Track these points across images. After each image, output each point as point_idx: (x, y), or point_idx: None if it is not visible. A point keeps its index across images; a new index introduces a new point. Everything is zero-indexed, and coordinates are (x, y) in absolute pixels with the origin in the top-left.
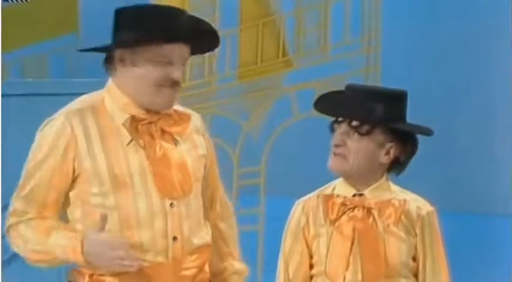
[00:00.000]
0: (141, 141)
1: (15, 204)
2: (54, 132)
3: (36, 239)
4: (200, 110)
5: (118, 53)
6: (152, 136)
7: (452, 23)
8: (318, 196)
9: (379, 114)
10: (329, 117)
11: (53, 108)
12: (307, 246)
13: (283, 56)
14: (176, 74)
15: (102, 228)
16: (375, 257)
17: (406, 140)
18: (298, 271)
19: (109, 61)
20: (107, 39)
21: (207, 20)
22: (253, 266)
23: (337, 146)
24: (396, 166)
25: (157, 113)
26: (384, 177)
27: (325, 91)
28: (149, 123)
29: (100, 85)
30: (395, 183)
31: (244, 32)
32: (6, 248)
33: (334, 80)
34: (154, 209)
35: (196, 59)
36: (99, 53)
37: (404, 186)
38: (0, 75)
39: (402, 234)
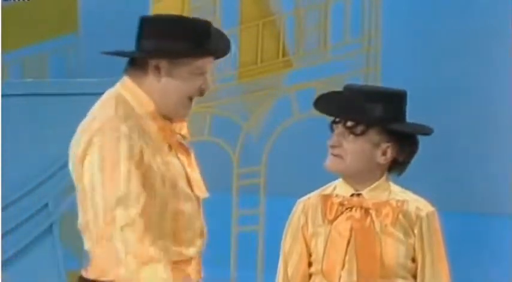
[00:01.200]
0: (170, 147)
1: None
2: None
3: None
4: (200, 109)
5: (154, 61)
6: (176, 141)
7: (452, 23)
8: (318, 196)
9: (373, 114)
10: (329, 117)
11: (52, 109)
12: (306, 245)
13: (283, 56)
14: (207, 85)
15: None
16: (370, 258)
17: (403, 140)
18: (296, 270)
19: (137, 66)
20: (106, 40)
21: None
22: (253, 266)
23: (333, 146)
24: (396, 166)
25: (171, 119)
26: (384, 177)
27: (325, 91)
28: (171, 131)
29: (99, 85)
30: (396, 183)
31: (244, 32)
32: (6, 248)
33: (334, 80)
34: (194, 211)
35: None
36: (99, 54)
37: (404, 186)
38: (0, 75)
39: (400, 235)
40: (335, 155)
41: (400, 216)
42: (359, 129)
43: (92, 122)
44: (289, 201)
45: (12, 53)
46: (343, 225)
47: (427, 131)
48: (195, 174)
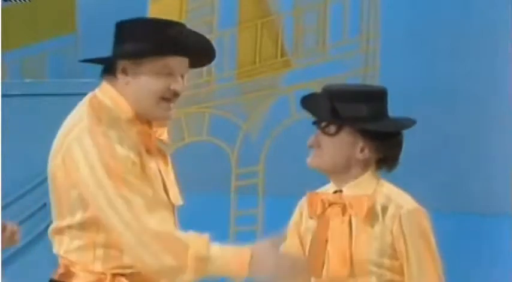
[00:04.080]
0: (148, 152)
1: None
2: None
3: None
4: (199, 110)
5: (121, 64)
6: (155, 146)
7: (451, 23)
8: (308, 193)
9: (344, 114)
10: None
11: (51, 109)
12: (301, 242)
13: (282, 56)
14: (177, 85)
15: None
16: (340, 255)
17: (379, 137)
18: None
19: (110, 71)
20: (105, 40)
21: (205, 19)
22: None
23: (310, 146)
24: (383, 163)
25: (150, 122)
26: (368, 174)
27: None
28: (149, 135)
29: (97, 85)
30: (396, 183)
31: (242, 32)
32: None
33: (333, 80)
34: (169, 217)
35: None
36: (98, 54)
37: (404, 186)
38: (0, 75)
39: (375, 231)
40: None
41: (378, 212)
42: (331, 129)
43: (75, 127)
44: (288, 201)
45: (11, 53)
46: (323, 222)
47: (400, 127)
48: (171, 181)
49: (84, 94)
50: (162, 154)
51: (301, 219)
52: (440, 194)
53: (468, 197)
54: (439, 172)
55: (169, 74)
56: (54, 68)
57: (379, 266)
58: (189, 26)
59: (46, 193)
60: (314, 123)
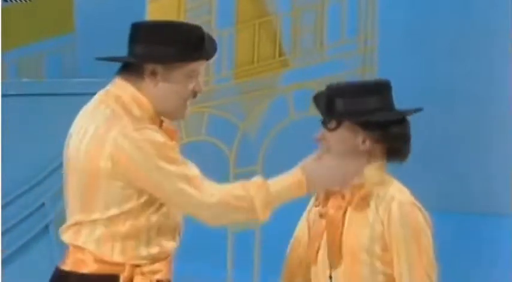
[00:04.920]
0: None
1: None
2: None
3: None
4: (197, 109)
5: (150, 66)
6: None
7: (449, 23)
8: None
9: (341, 108)
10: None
11: (48, 109)
12: (309, 228)
13: (280, 56)
14: (199, 87)
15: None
16: (331, 242)
17: (377, 128)
18: (294, 245)
19: (132, 71)
20: (102, 40)
21: (203, 19)
22: (250, 265)
23: (318, 140)
24: (390, 153)
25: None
26: (372, 166)
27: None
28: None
29: (96, 85)
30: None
31: (240, 32)
32: (3, 247)
33: (331, 80)
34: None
35: None
36: (97, 54)
37: (404, 186)
38: (0, 75)
39: (368, 220)
40: (323, 149)
41: (372, 203)
42: (331, 124)
43: (116, 124)
44: None
45: (9, 53)
46: (324, 210)
47: (393, 116)
48: None
49: (83, 94)
50: None
51: (312, 207)
52: (440, 194)
53: (468, 197)
54: (439, 172)
55: (195, 76)
56: (51, 67)
57: (371, 254)
58: None
59: (45, 192)
60: (322, 120)
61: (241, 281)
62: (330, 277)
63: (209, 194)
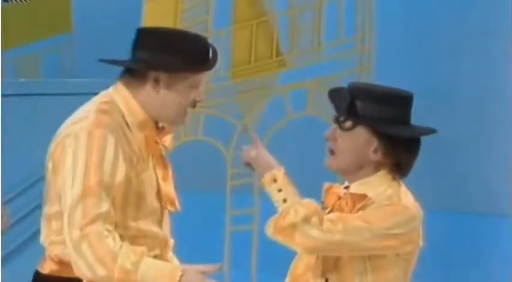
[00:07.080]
0: (152, 159)
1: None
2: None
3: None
4: (194, 109)
5: (154, 73)
6: (158, 152)
7: (448, 22)
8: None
9: (363, 112)
10: (322, 117)
11: (46, 109)
12: None
13: (277, 55)
14: (201, 97)
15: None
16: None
17: (393, 141)
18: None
19: (134, 75)
20: (100, 39)
21: (200, 19)
22: (247, 265)
23: (327, 139)
24: (396, 167)
25: (159, 128)
26: (377, 175)
27: (318, 91)
28: (155, 142)
29: (94, 85)
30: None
31: (237, 32)
32: (5, 245)
33: (328, 80)
34: (156, 222)
35: None
36: (94, 54)
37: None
38: (0, 75)
39: None
40: (330, 152)
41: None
42: (347, 124)
43: (80, 121)
44: None
45: (7, 52)
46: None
47: (414, 133)
48: (169, 188)
49: (80, 94)
50: (163, 160)
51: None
52: (439, 193)
53: (468, 197)
54: (438, 172)
55: (197, 86)
56: (49, 67)
57: (361, 263)
58: (184, 25)
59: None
60: (335, 117)
61: (239, 280)
62: (326, 280)
63: (88, 232)
